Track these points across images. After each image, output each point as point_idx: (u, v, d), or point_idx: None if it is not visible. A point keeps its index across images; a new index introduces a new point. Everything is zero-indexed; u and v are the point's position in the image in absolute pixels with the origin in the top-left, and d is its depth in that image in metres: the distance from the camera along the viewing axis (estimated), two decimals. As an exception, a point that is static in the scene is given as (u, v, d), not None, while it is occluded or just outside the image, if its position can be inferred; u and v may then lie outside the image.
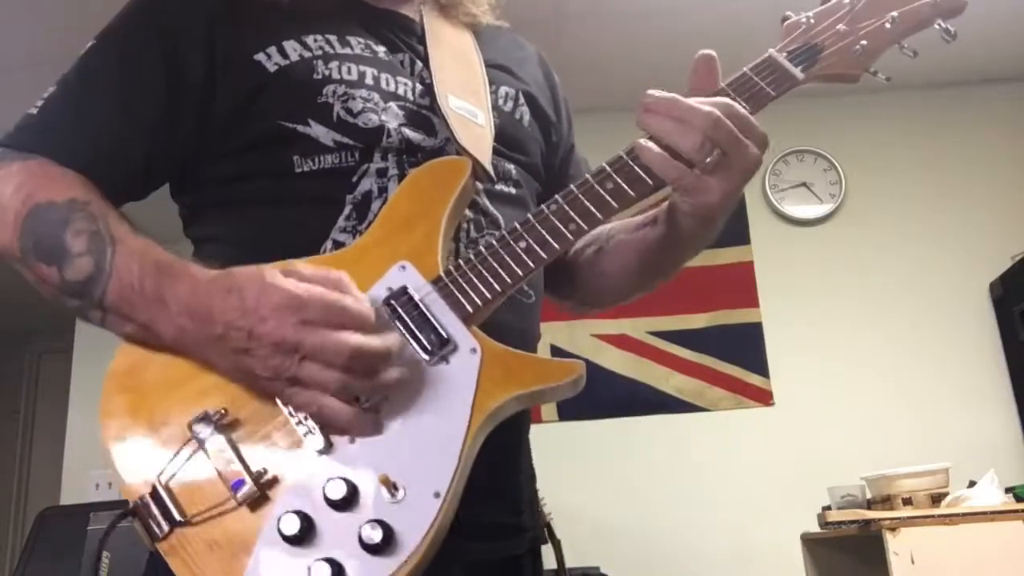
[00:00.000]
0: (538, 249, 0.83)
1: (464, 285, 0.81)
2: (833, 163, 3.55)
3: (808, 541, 2.80)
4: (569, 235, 0.84)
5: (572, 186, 0.86)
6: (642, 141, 0.83)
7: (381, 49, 0.98)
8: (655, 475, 3.24)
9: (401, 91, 0.96)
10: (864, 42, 0.90)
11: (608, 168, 0.86)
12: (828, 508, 2.67)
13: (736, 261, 3.47)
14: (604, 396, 3.34)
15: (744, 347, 3.37)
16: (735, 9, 2.90)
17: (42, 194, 0.84)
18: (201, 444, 0.75)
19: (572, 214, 0.84)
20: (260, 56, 0.91)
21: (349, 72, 0.93)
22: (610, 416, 3.31)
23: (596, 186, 0.85)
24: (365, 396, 0.75)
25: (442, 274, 0.82)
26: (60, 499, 3.67)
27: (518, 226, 0.85)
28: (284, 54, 0.92)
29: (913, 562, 2.16)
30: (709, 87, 0.86)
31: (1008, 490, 2.50)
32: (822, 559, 2.76)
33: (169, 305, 0.78)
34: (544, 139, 1.09)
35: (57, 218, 0.83)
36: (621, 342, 3.40)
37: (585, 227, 0.84)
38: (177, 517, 0.74)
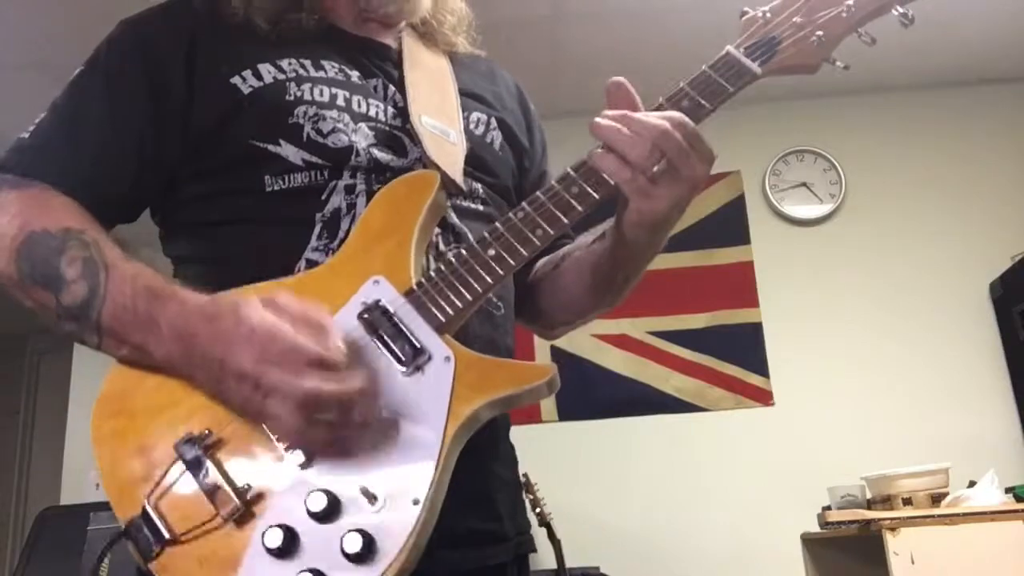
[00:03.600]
0: (506, 256, 0.84)
1: (436, 296, 0.83)
2: (833, 163, 3.55)
3: (808, 541, 2.80)
4: (536, 240, 0.85)
5: (538, 192, 0.87)
6: (596, 149, 0.86)
7: (355, 74, 1.01)
8: (655, 475, 3.24)
9: (372, 112, 0.98)
10: (820, 32, 0.92)
11: (573, 173, 0.87)
12: (828, 508, 2.67)
13: (736, 261, 3.47)
14: (604, 396, 3.34)
15: (744, 347, 3.37)
16: (734, 8, 2.91)
17: (37, 222, 0.86)
18: (187, 464, 0.77)
19: (539, 220, 0.85)
20: (236, 79, 0.94)
21: (321, 94, 0.96)
22: (610, 416, 3.31)
23: (561, 191, 0.86)
24: (325, 443, 0.76)
25: (414, 286, 0.84)
26: (60, 499, 3.67)
27: (487, 234, 0.86)
28: (259, 76, 0.95)
29: (913, 562, 2.16)
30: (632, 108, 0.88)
31: (1008, 490, 2.51)
32: (822, 559, 2.76)
33: (161, 328, 0.80)
34: (516, 164, 1.12)
35: (52, 246, 0.85)
36: (621, 342, 3.40)
37: (552, 232, 0.85)
38: (166, 536, 0.76)
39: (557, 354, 3.33)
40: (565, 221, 0.85)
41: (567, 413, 3.32)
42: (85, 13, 2.68)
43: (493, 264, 0.84)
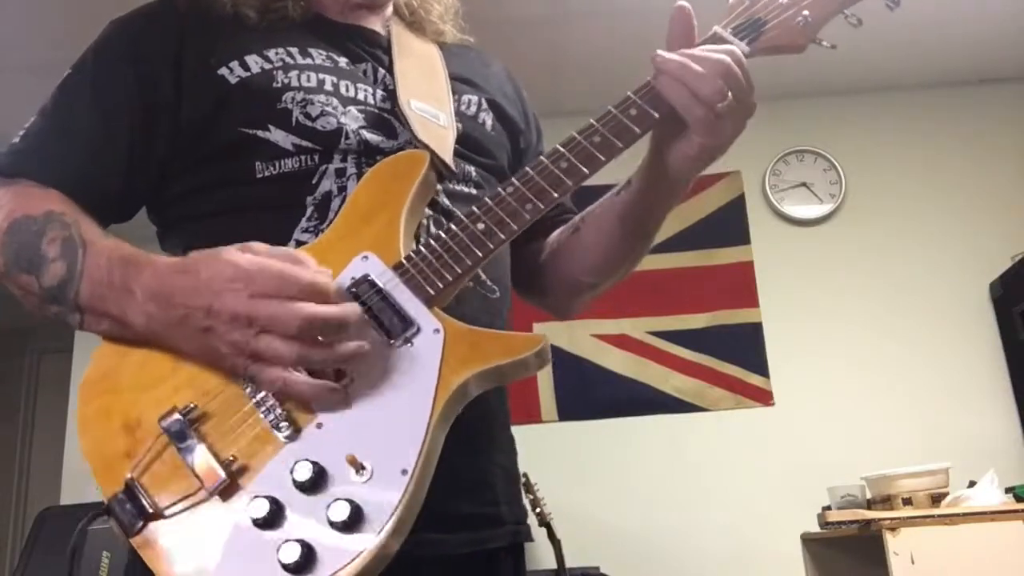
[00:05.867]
0: (496, 230, 0.84)
1: (425, 269, 0.83)
2: (833, 163, 3.55)
3: (808, 541, 2.80)
4: (526, 215, 0.85)
5: (528, 167, 0.88)
6: (662, 79, 0.86)
7: (343, 60, 1.01)
8: (655, 475, 3.24)
9: (361, 96, 0.99)
10: (806, 12, 0.93)
11: (561, 148, 0.88)
12: (828, 508, 2.67)
13: (736, 261, 3.47)
14: (604, 396, 3.34)
15: (744, 347, 3.37)
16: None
17: (21, 210, 0.87)
18: (172, 438, 0.77)
19: (528, 194, 0.86)
20: (223, 70, 0.95)
21: (308, 80, 0.96)
22: (610, 416, 3.31)
23: (550, 166, 0.87)
24: (325, 367, 0.76)
25: (403, 260, 0.84)
26: (60, 499, 3.67)
27: (476, 209, 0.86)
28: (246, 67, 0.95)
29: (913, 562, 2.16)
30: (687, 45, 0.90)
31: (1008, 490, 2.51)
32: (822, 559, 2.76)
33: (136, 294, 0.80)
34: (511, 144, 1.12)
35: (34, 229, 0.86)
36: (621, 342, 3.40)
37: (541, 206, 0.85)
38: (150, 510, 0.75)
39: (557, 354, 3.33)
40: (555, 195, 0.85)
41: (567, 413, 3.32)
42: (87, 16, 2.68)
43: (483, 238, 0.84)
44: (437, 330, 0.80)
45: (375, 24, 1.09)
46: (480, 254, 0.84)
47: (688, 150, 0.89)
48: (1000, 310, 3.31)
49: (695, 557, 3.12)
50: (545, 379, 3.33)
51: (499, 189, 0.87)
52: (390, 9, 1.12)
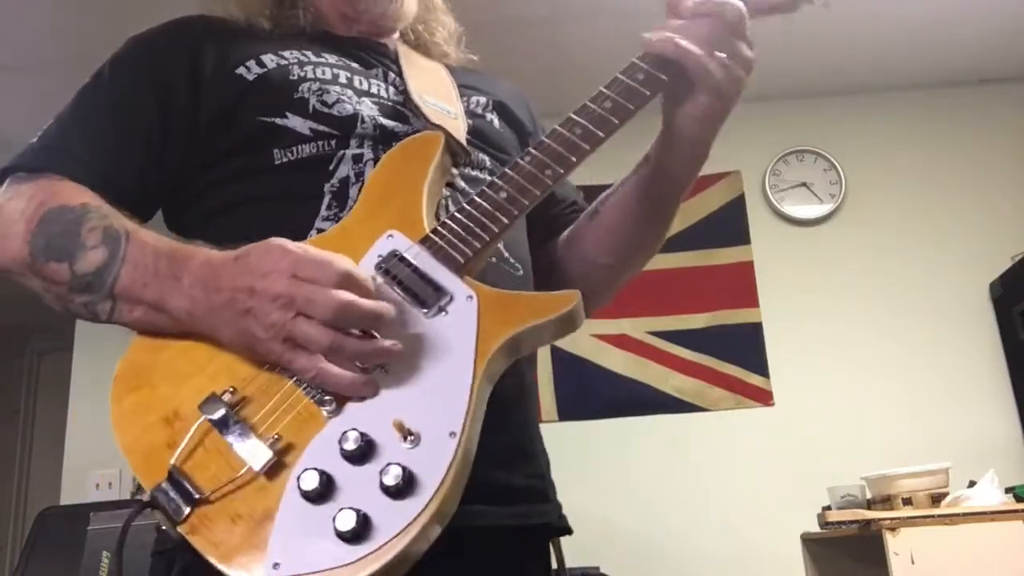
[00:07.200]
0: (519, 196, 0.86)
1: (453, 239, 0.84)
2: (833, 163, 3.55)
3: (808, 541, 2.80)
4: (547, 179, 0.87)
5: (543, 136, 0.90)
6: (689, 48, 0.89)
7: (355, 64, 1.06)
8: (655, 475, 3.24)
9: (375, 91, 1.03)
10: None
11: (574, 116, 0.90)
12: (828, 508, 2.67)
13: (736, 261, 3.47)
14: (604, 396, 3.34)
15: (744, 347, 3.37)
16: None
17: (55, 200, 0.88)
18: (213, 422, 0.76)
19: (547, 160, 0.88)
20: (240, 69, 0.99)
21: (324, 73, 1.01)
22: (610, 416, 3.31)
23: (565, 132, 0.89)
24: (358, 361, 0.76)
25: (429, 234, 0.85)
26: (60, 499, 3.67)
27: (496, 179, 0.88)
28: (262, 64, 0.99)
29: (913, 562, 2.16)
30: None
31: (1008, 490, 2.51)
32: (822, 559, 2.76)
33: (182, 280, 0.81)
34: (520, 144, 1.14)
35: (71, 218, 0.87)
36: (621, 342, 3.40)
37: (560, 171, 0.87)
38: (196, 496, 0.74)
39: (557, 354, 3.34)
40: (573, 159, 0.87)
41: (567, 413, 3.32)
42: (84, 14, 2.69)
43: (507, 205, 0.86)
44: (470, 296, 0.80)
45: (383, 40, 1.13)
46: (506, 220, 0.85)
47: (693, 110, 0.91)
48: (1000, 310, 3.31)
49: (695, 557, 3.12)
50: (545, 379, 3.33)
51: (516, 159, 0.89)
52: (396, 33, 1.16)
